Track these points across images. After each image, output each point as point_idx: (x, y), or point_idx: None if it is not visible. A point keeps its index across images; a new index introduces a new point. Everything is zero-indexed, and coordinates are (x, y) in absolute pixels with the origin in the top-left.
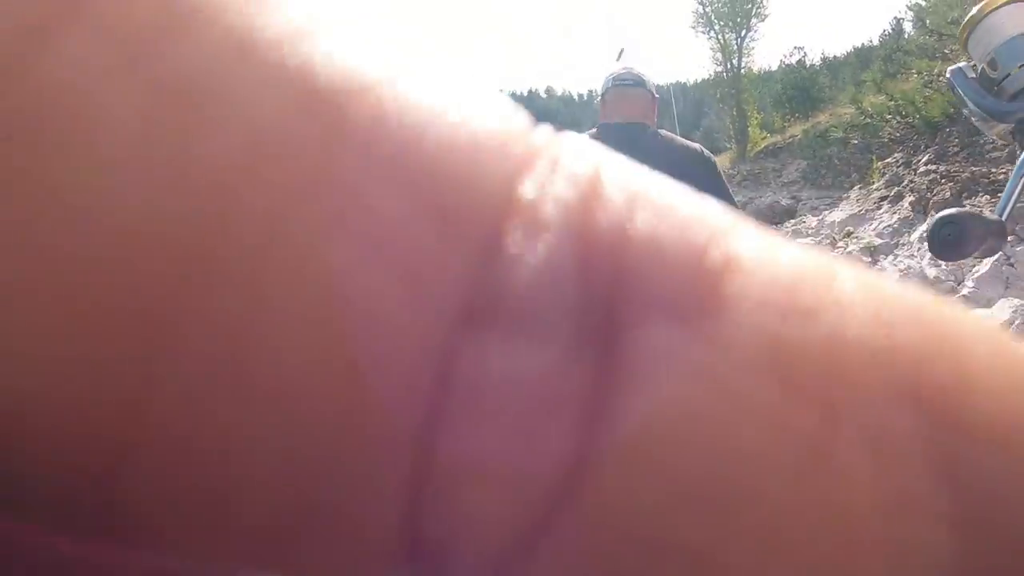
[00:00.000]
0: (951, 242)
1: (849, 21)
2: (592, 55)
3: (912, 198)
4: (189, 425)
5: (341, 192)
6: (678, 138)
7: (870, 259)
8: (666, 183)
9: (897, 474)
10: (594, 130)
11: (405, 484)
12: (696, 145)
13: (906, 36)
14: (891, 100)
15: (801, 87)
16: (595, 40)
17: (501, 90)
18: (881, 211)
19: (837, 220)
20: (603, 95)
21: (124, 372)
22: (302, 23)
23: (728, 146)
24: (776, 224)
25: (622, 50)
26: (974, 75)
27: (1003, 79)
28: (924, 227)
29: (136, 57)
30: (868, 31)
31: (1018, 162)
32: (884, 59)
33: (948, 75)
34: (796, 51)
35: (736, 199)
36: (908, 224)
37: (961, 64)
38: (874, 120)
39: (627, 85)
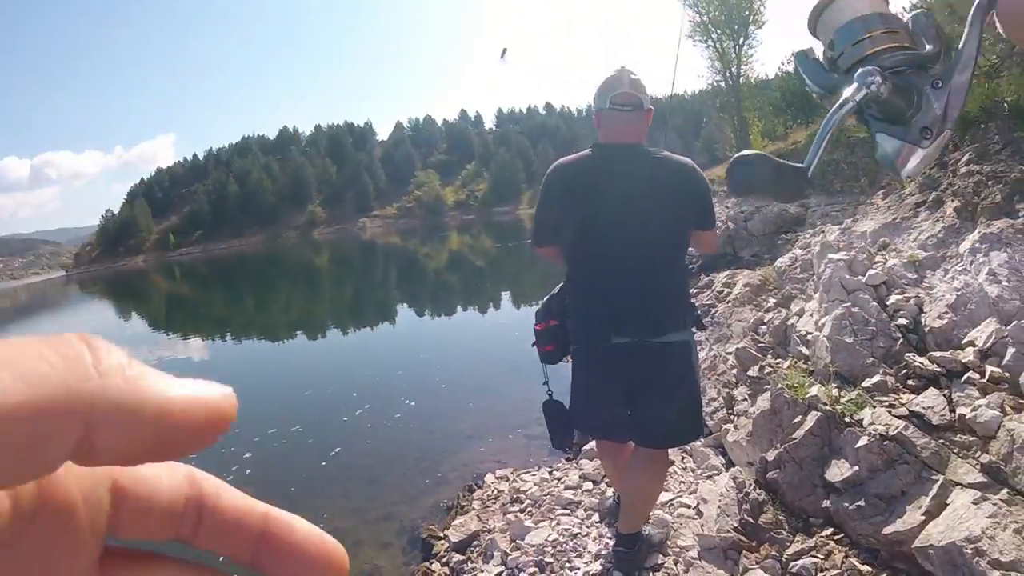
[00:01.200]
0: (740, 180)
1: None
2: (591, 73)
3: (956, 203)
4: None
5: None
6: (668, 154)
7: (915, 274)
8: None
9: None
10: (588, 151)
11: None
12: (686, 160)
13: None
14: None
15: (801, 93)
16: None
17: (501, 107)
18: (919, 219)
19: (868, 231)
20: (599, 112)
21: None
22: None
23: (729, 155)
24: (787, 233)
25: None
26: (816, 57)
27: (838, 57)
28: (975, 236)
29: None
30: None
31: (828, 115)
32: None
33: (792, 57)
34: (794, 57)
35: (742, 208)
36: (954, 233)
37: (804, 48)
38: None
39: (626, 111)
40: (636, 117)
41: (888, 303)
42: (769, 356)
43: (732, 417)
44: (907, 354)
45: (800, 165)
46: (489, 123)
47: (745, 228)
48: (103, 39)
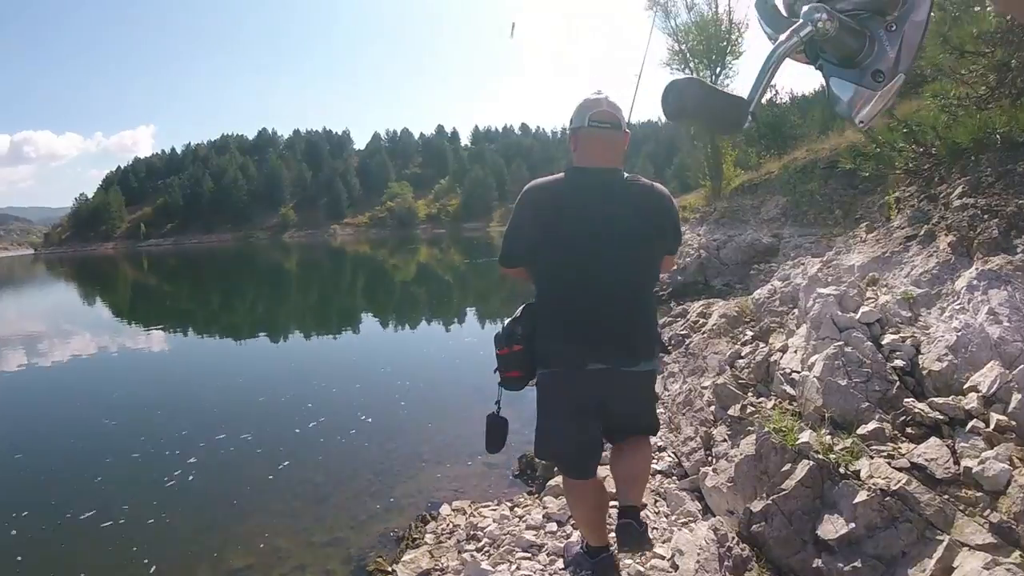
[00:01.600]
0: (673, 103)
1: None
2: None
3: (951, 238)
4: None
5: None
6: (644, 180)
7: (909, 312)
8: None
9: None
10: (562, 174)
11: None
12: (660, 186)
13: None
14: (903, 126)
15: (773, 125)
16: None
17: (477, 124)
18: (910, 253)
19: (856, 265)
20: (576, 130)
21: None
22: None
23: (702, 183)
24: (760, 263)
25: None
26: (775, 2)
27: (795, 2)
28: (972, 272)
29: None
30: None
31: (771, 49)
32: None
33: (752, 7)
34: (769, 88)
35: (714, 236)
36: (949, 269)
37: None
38: (883, 149)
39: (605, 128)
40: (615, 137)
41: (883, 343)
42: (750, 394)
43: (710, 459)
44: (905, 399)
45: (740, 97)
46: (465, 139)
47: (717, 257)
48: (94, 25)
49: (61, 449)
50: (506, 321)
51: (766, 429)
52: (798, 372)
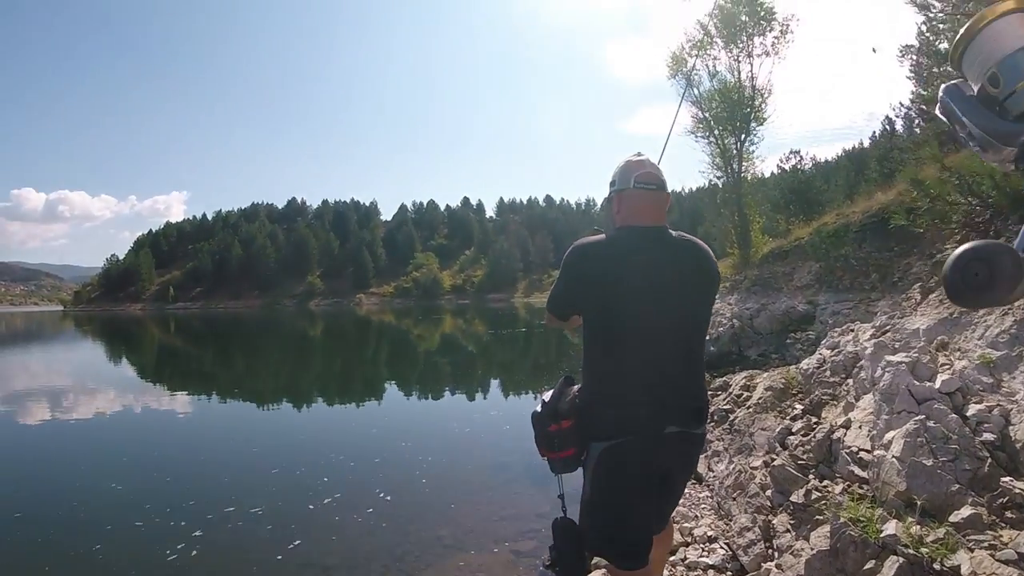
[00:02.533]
0: (981, 284)
1: (830, 126)
2: (589, 168)
3: None
4: None
5: None
6: (690, 236)
7: (990, 378)
8: None
9: None
10: (603, 235)
11: None
12: (700, 241)
13: (899, 134)
14: (955, 177)
15: (799, 191)
16: (593, 154)
17: (502, 196)
18: (980, 314)
19: (921, 328)
20: (620, 191)
21: None
22: None
23: (730, 251)
24: (795, 332)
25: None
26: (972, 93)
27: (1007, 97)
28: None
29: None
30: (851, 135)
31: None
32: (879, 159)
33: (942, 93)
34: (793, 155)
35: (747, 305)
36: None
37: (956, 81)
38: (935, 203)
39: (651, 189)
40: (661, 197)
41: (968, 414)
42: (812, 476)
43: (772, 552)
44: (1002, 478)
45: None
46: (490, 211)
47: (751, 326)
48: (133, 89)
49: (62, 513)
50: (544, 396)
51: (841, 519)
52: (867, 451)
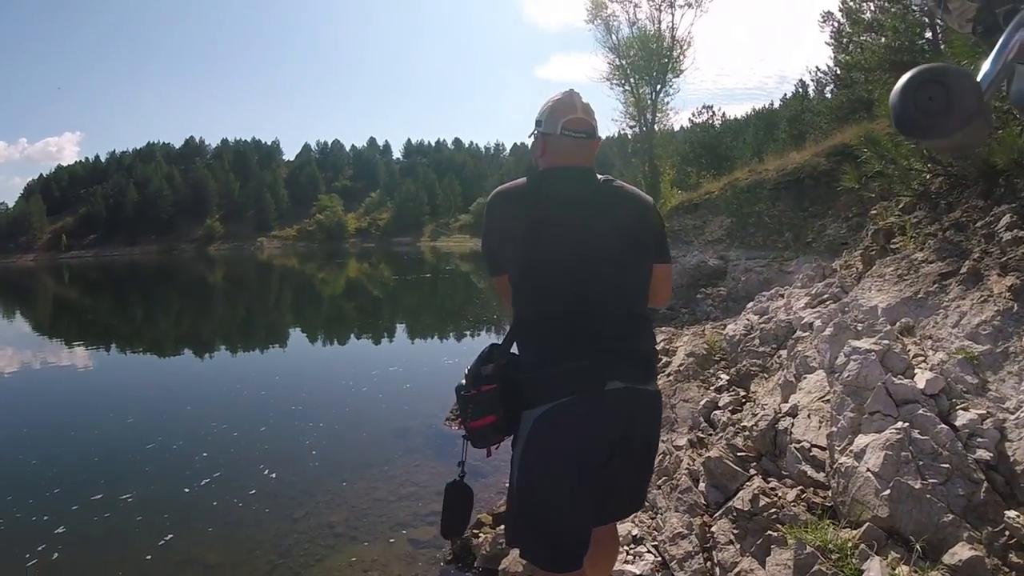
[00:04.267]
0: (935, 109)
1: (741, 86)
2: (501, 113)
3: (1011, 280)
4: None
5: None
6: (620, 182)
7: (975, 377)
8: None
9: None
10: (524, 179)
11: None
12: (640, 191)
13: (811, 98)
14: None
15: (708, 145)
16: (507, 99)
17: (410, 138)
18: (950, 296)
19: (880, 306)
20: (545, 136)
21: None
22: None
23: None
24: (706, 286)
25: None
26: None
27: None
28: None
29: None
30: (760, 97)
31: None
32: (790, 120)
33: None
34: (705, 110)
35: None
36: (1014, 320)
37: None
38: (895, 169)
39: (580, 138)
40: (589, 146)
41: (957, 424)
42: (753, 471)
43: (715, 570)
44: (1006, 513)
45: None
46: (397, 153)
47: None
48: (18, 26)
49: None
50: (469, 365)
51: (808, 549)
52: (821, 448)
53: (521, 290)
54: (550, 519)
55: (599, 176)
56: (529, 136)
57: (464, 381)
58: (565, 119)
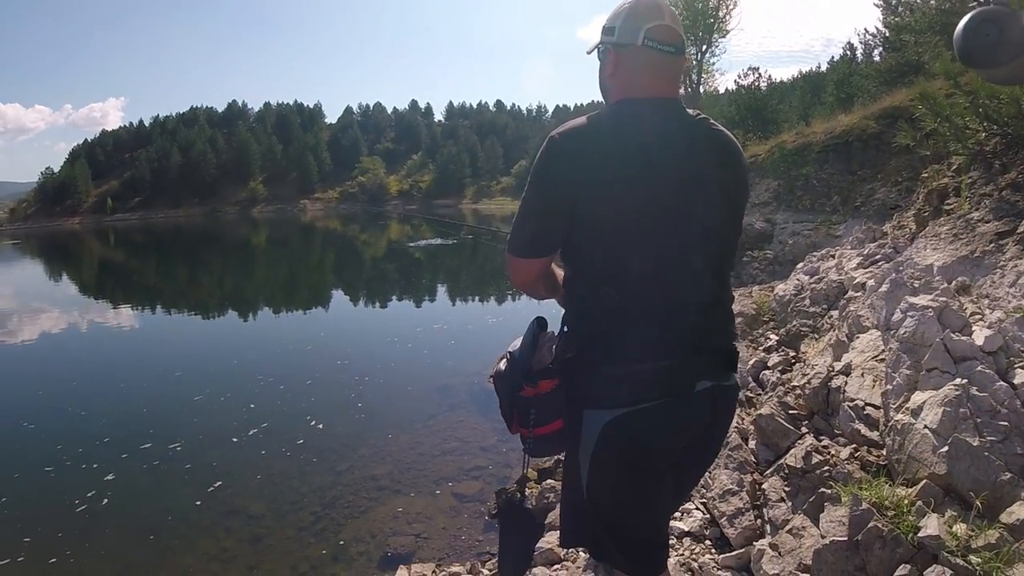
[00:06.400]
0: (991, 43)
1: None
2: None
3: None
4: None
5: None
6: (714, 121)
7: None
8: None
9: None
10: (585, 119)
11: None
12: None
13: (859, 61)
14: (971, 98)
15: (754, 108)
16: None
17: (452, 100)
18: (1007, 256)
19: (936, 266)
20: (621, 48)
21: None
22: None
23: None
24: (752, 250)
25: None
26: None
27: None
28: None
29: None
30: (807, 60)
31: None
32: (837, 83)
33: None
34: (752, 72)
35: None
36: None
37: None
38: (949, 128)
39: (667, 52)
40: (679, 64)
41: (1015, 382)
42: (804, 429)
43: (765, 527)
44: None
45: None
46: (439, 115)
47: None
48: None
49: None
50: (511, 348)
51: (863, 505)
52: (876, 406)
53: (590, 261)
54: (635, 529)
55: (690, 112)
56: (590, 51)
57: (504, 367)
58: (650, 26)
